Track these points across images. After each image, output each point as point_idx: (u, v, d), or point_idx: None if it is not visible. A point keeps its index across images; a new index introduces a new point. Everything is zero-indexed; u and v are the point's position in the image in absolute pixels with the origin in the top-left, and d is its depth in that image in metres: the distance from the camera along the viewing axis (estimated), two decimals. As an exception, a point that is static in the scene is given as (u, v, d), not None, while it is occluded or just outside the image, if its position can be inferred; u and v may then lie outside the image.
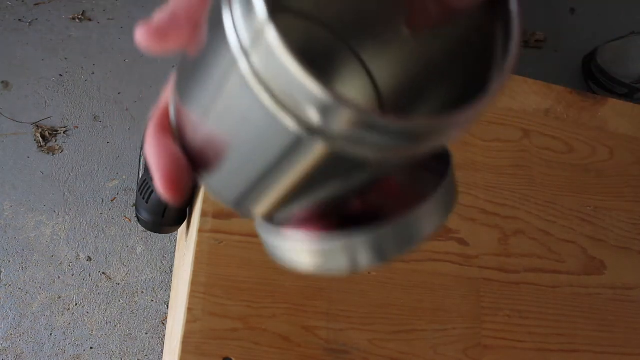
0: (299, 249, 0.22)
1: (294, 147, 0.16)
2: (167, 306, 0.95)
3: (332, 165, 0.17)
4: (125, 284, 0.96)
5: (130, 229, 0.99)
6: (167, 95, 0.22)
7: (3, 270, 0.93)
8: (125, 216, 1.01)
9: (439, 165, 0.24)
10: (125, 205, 1.01)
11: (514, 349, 0.56)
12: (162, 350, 0.92)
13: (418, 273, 0.56)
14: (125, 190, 1.02)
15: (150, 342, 0.93)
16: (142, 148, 0.98)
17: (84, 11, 1.16)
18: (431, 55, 0.22)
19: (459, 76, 0.20)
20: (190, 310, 0.49)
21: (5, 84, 1.06)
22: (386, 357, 0.52)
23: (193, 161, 0.21)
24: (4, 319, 0.90)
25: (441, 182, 0.22)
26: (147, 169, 0.93)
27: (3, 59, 1.08)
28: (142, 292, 0.96)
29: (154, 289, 0.96)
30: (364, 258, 0.21)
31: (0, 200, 0.97)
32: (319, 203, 0.21)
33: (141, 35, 0.19)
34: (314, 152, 0.16)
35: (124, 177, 1.03)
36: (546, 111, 0.69)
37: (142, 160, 0.96)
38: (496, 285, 0.58)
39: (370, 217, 0.23)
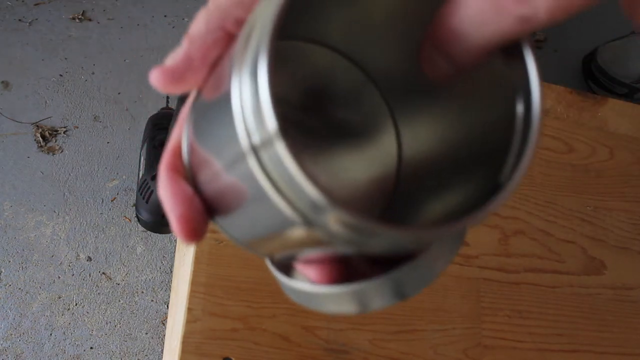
0: (307, 292, 0.22)
1: (294, 229, 0.16)
2: (167, 306, 0.95)
3: (334, 245, 0.17)
4: (125, 284, 0.96)
5: (130, 229, 0.99)
6: (179, 132, 0.22)
7: (3, 270, 0.93)
8: (125, 216, 1.01)
9: None
10: (125, 205, 1.01)
11: (514, 349, 0.56)
12: (162, 350, 0.92)
13: (418, 273, 0.56)
14: (125, 190, 1.02)
15: (150, 342, 0.93)
16: (142, 148, 0.98)
17: (84, 11, 1.16)
18: (451, 118, 0.21)
19: (476, 151, 0.20)
20: (190, 310, 0.49)
21: (5, 84, 1.06)
22: (386, 357, 0.52)
23: (204, 200, 0.21)
24: (4, 319, 0.90)
25: None
26: (147, 169, 0.93)
27: (3, 59, 1.08)
28: (142, 292, 0.96)
29: (154, 289, 0.96)
30: (377, 301, 0.21)
31: (0, 200, 0.97)
32: (326, 256, 0.21)
33: (157, 78, 0.19)
34: (314, 236, 0.16)
35: (124, 177, 1.03)
36: (546, 111, 0.69)
37: (142, 160, 0.96)
38: (496, 285, 0.58)
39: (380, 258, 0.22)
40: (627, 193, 0.68)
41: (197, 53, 0.19)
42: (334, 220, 0.15)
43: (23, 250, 0.95)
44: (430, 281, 0.21)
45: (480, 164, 0.20)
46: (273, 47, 0.15)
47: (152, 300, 0.95)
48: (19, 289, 0.92)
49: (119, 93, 1.10)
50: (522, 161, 0.17)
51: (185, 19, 1.20)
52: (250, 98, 0.15)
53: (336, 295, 0.21)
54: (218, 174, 0.18)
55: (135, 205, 0.98)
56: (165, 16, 1.20)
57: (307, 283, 0.21)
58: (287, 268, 0.23)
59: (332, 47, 0.23)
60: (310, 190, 0.14)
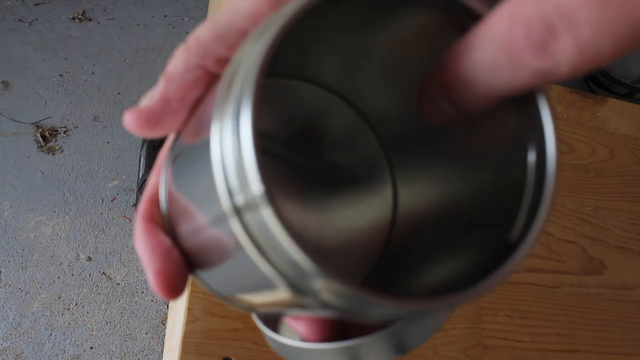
0: (296, 348, 0.20)
1: (282, 293, 0.15)
2: (167, 306, 0.95)
3: (323, 311, 0.16)
4: (125, 284, 0.96)
5: (130, 229, 1.00)
6: (157, 177, 0.20)
7: (3, 270, 0.93)
8: (125, 216, 1.01)
9: None
10: (125, 205, 1.01)
11: (514, 349, 0.56)
12: (162, 350, 0.92)
13: (418, 273, 0.56)
14: (125, 190, 1.02)
15: (150, 342, 0.93)
16: (142, 148, 0.98)
17: (84, 11, 1.16)
18: (453, 170, 0.20)
19: (482, 207, 0.18)
20: (190, 310, 0.49)
21: (5, 84, 1.06)
22: (386, 357, 0.52)
23: (183, 251, 0.19)
24: (4, 319, 0.90)
25: None
26: (147, 169, 0.93)
27: (3, 59, 1.08)
28: (142, 292, 0.96)
29: (154, 289, 0.96)
30: (374, 358, 0.19)
31: (0, 200, 0.97)
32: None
33: (131, 121, 0.17)
34: (303, 301, 0.15)
35: (124, 177, 1.03)
36: (546, 111, 0.69)
37: (142, 160, 0.96)
38: (496, 285, 0.58)
39: None
40: (627, 193, 0.68)
41: (175, 94, 0.17)
42: (324, 288, 0.13)
43: (23, 250, 0.95)
44: (433, 333, 0.20)
45: (487, 221, 0.18)
46: (258, 96, 0.13)
47: (152, 300, 0.95)
48: (19, 289, 0.92)
49: (119, 93, 1.10)
50: (536, 221, 0.15)
51: (185, 19, 1.20)
52: (232, 154, 0.13)
53: (329, 353, 0.19)
54: (198, 229, 0.16)
55: (135, 205, 0.98)
56: (165, 16, 1.20)
57: (296, 340, 0.20)
58: (273, 320, 0.22)
59: (325, 86, 0.21)
60: (300, 258, 0.13)
